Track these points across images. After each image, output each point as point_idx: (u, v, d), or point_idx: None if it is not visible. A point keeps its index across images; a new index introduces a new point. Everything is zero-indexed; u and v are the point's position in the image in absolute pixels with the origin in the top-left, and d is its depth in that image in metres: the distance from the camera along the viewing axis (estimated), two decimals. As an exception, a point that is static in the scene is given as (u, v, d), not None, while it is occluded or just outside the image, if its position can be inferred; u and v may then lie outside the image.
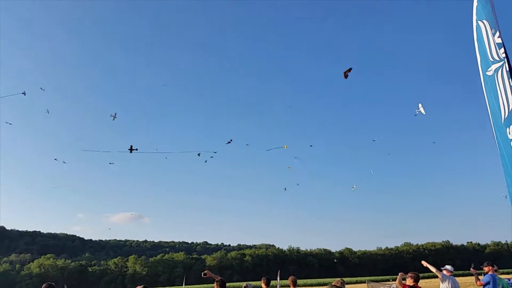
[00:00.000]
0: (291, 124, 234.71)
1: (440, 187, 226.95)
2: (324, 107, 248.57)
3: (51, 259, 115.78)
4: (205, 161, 37.26)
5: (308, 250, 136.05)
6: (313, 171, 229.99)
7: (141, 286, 8.43)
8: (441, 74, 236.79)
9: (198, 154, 29.19)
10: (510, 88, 4.70)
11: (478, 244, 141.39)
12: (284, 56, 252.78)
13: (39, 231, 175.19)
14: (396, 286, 8.84)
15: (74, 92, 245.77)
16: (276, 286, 22.83)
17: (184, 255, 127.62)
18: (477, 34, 5.40)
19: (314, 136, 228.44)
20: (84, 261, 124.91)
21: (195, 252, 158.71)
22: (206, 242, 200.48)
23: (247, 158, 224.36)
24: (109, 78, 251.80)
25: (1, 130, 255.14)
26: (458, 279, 10.08)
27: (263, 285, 9.21)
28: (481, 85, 5.24)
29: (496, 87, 4.96)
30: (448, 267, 10.22)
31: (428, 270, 10.06)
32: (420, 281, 8.85)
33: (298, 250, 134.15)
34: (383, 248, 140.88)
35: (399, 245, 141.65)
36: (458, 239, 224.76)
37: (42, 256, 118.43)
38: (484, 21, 5.21)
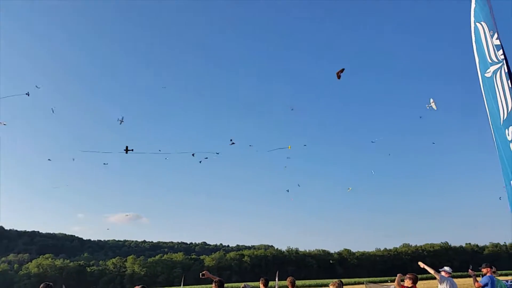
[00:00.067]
0: (290, 124, 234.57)
1: (439, 188, 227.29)
2: (324, 107, 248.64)
3: (50, 259, 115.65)
4: (200, 162, 37.28)
5: (307, 251, 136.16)
6: (312, 172, 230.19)
7: (140, 286, 8.43)
8: (441, 74, 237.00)
9: (193, 155, 29.31)
10: (509, 90, 4.70)
11: (477, 245, 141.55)
12: (284, 56, 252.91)
13: (38, 231, 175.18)
14: (395, 287, 8.83)
15: (74, 92, 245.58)
16: (274, 287, 22.82)
17: (182, 255, 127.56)
18: (475, 36, 5.40)
19: (314, 136, 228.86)
20: (82, 261, 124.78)
21: (193, 253, 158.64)
22: (205, 242, 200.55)
23: (246, 158, 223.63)
24: (108, 78, 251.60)
25: (1, 130, 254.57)
26: (456, 280, 10.09)
27: (261, 285, 9.20)
28: (480, 86, 5.25)
29: (494, 88, 4.96)
30: (446, 268, 10.23)
31: (427, 272, 10.06)
32: (419, 282, 8.84)
33: (297, 251, 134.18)
34: (382, 249, 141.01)
35: (397, 246, 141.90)
36: (456, 240, 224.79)
37: (40, 256, 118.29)
38: (482, 22, 5.20)
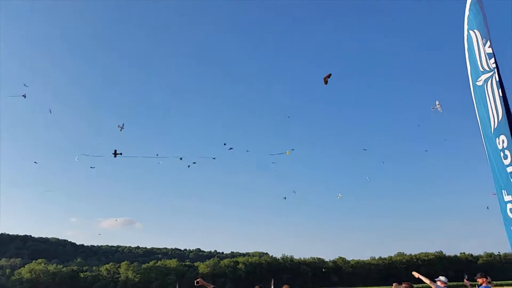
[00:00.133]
0: (285, 129, 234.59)
1: (433, 197, 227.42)
2: (319, 112, 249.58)
3: (42, 264, 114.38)
4: (188, 166, 37.42)
5: (302, 258, 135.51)
6: (307, 179, 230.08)
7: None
8: (437, 79, 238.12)
9: (180, 159, 29.43)
10: (500, 99, 4.69)
11: (471, 255, 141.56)
12: (280, 60, 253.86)
13: (30, 235, 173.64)
14: (390, 296, 8.78)
15: (70, 97, 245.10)
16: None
17: (176, 262, 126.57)
18: (468, 44, 5.40)
19: (309, 143, 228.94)
20: (75, 267, 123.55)
21: (187, 259, 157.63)
22: (199, 249, 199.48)
23: (241, 164, 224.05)
24: (107, 83, 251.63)
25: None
26: (450, 290, 10.03)
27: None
28: (471, 94, 5.25)
29: (485, 97, 4.95)
30: (442, 278, 10.16)
31: (422, 281, 10.00)
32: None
33: (291, 259, 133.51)
34: (377, 257, 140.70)
35: (392, 254, 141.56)
36: (451, 250, 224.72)
37: (33, 261, 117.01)
38: (475, 30, 5.20)
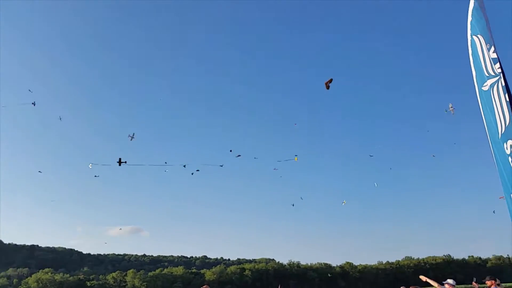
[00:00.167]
0: (291, 136, 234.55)
1: (441, 201, 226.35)
2: (324, 119, 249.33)
3: (49, 273, 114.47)
4: (192, 174, 37.42)
5: (309, 264, 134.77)
6: (313, 185, 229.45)
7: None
8: (441, 87, 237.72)
9: (184, 166, 29.52)
10: (506, 103, 4.65)
11: (480, 258, 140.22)
12: (283, 66, 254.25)
13: (37, 245, 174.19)
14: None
15: (76, 104, 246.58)
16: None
17: (183, 269, 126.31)
18: (472, 49, 5.37)
19: (317, 149, 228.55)
20: (82, 276, 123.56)
21: (194, 267, 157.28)
22: (205, 256, 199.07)
23: (246, 171, 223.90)
24: (107, 83, 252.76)
25: (1, 142, 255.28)
26: (459, 294, 9.95)
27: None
28: (477, 100, 5.22)
29: (492, 102, 4.92)
30: (449, 281, 10.09)
31: (430, 285, 9.93)
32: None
33: (298, 265, 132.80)
34: (384, 262, 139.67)
35: (400, 259, 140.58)
36: (459, 253, 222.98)
37: (40, 271, 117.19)
38: (478, 36, 5.19)
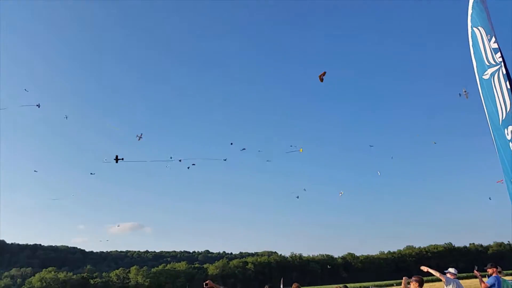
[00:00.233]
0: (291, 128, 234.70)
1: (441, 189, 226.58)
2: (325, 111, 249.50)
3: (53, 272, 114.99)
4: (188, 168, 37.73)
5: (311, 256, 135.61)
6: (313, 176, 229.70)
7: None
8: (441, 77, 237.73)
9: (180, 160, 29.69)
10: (507, 90, 4.75)
11: (481, 245, 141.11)
12: (281, 59, 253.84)
13: (40, 244, 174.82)
14: (401, 290, 8.80)
15: (75, 105, 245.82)
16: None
17: (186, 264, 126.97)
18: (472, 41, 5.45)
19: (316, 140, 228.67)
20: (85, 274, 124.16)
21: (197, 261, 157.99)
22: (207, 251, 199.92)
23: (248, 164, 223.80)
24: (107, 85, 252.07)
25: (1, 142, 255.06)
26: (462, 282, 10.04)
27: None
28: (478, 89, 5.30)
29: (493, 90, 5.01)
30: (451, 270, 10.17)
31: (432, 274, 10.01)
32: (424, 284, 8.81)
33: (300, 257, 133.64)
34: (386, 252, 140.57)
35: (401, 248, 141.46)
36: (460, 241, 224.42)
37: (43, 270, 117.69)
38: (479, 27, 5.27)
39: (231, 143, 31.45)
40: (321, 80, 16.69)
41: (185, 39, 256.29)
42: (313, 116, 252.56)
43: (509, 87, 4.70)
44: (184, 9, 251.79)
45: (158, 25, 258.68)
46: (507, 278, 10.78)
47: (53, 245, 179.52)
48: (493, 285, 9.91)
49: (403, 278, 8.89)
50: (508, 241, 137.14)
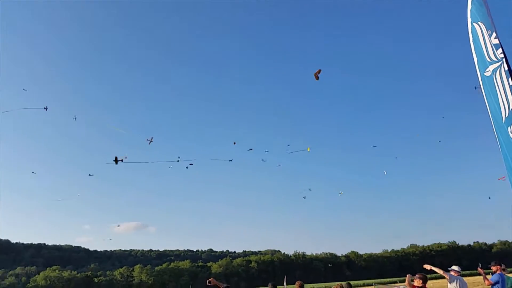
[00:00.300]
0: (292, 127, 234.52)
1: (445, 187, 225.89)
2: (327, 111, 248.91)
3: (57, 271, 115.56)
4: (186, 167, 37.77)
5: (314, 254, 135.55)
6: (317, 176, 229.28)
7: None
8: (441, 76, 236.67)
9: (177, 160, 29.80)
10: (510, 87, 4.71)
11: (485, 243, 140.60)
12: (288, 62, 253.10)
13: (44, 243, 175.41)
14: (405, 287, 8.82)
15: (76, 105, 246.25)
16: (283, 292, 22.75)
17: (189, 263, 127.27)
18: (472, 36, 5.41)
19: (320, 139, 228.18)
20: (90, 272, 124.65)
21: (200, 260, 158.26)
22: (211, 249, 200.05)
23: (251, 164, 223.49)
24: (107, 85, 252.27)
25: (4, 142, 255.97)
26: (466, 279, 10.03)
27: (270, 291, 9.21)
28: (480, 86, 5.26)
29: (495, 87, 4.97)
30: (455, 267, 10.17)
31: (435, 272, 10.00)
32: (428, 282, 8.82)
33: (303, 255, 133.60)
34: (389, 250, 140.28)
35: (405, 247, 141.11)
36: (464, 239, 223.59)
37: (47, 268, 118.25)
38: (479, 23, 5.22)
39: (234, 143, 31.50)
40: (317, 78, 16.74)
41: (185, 39, 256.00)
42: (313, 116, 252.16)
43: (511, 84, 4.66)
44: (184, 9, 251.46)
45: (158, 25, 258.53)
46: (510, 275, 10.78)
47: (57, 244, 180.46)
48: (497, 282, 9.92)
49: (407, 275, 8.91)
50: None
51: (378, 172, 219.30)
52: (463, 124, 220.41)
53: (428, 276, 9.04)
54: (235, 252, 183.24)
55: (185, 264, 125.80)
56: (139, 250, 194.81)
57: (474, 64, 5.33)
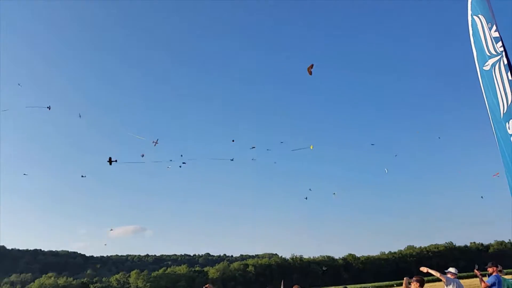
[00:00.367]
0: (295, 127, 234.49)
1: (441, 188, 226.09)
2: (327, 111, 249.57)
3: (52, 278, 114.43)
4: (180, 166, 37.63)
5: (311, 257, 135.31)
6: (314, 177, 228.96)
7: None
8: (440, 74, 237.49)
9: (170, 160, 29.76)
10: (509, 82, 4.59)
11: (482, 244, 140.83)
12: (285, 59, 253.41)
13: (40, 249, 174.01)
14: (402, 290, 8.68)
15: (77, 105, 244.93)
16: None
17: (186, 268, 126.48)
18: (472, 29, 5.32)
19: (318, 140, 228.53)
20: (85, 279, 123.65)
21: (197, 264, 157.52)
22: (208, 253, 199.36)
23: (248, 165, 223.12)
24: (107, 85, 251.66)
25: (4, 142, 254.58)
26: (462, 281, 9.93)
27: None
28: (478, 80, 5.15)
29: (494, 81, 4.85)
30: (451, 269, 10.07)
31: (433, 274, 9.89)
32: (425, 285, 8.69)
33: (301, 258, 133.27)
34: (386, 252, 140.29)
35: (402, 248, 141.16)
36: (461, 240, 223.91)
37: (43, 276, 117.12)
38: (479, 16, 5.11)
39: (233, 140, 31.54)
40: (310, 73, 16.70)
41: (185, 39, 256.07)
42: (313, 116, 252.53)
43: (510, 78, 4.53)
44: (184, 9, 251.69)
45: (158, 25, 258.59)
46: (507, 277, 10.67)
47: (54, 250, 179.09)
48: (494, 284, 9.80)
49: (404, 278, 8.80)
50: (509, 240, 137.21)
51: (377, 170, 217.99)
52: (461, 121, 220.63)
53: (426, 279, 8.89)
54: (232, 256, 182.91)
55: (182, 269, 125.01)
56: (135, 255, 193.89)
57: (473, 59, 5.22)
